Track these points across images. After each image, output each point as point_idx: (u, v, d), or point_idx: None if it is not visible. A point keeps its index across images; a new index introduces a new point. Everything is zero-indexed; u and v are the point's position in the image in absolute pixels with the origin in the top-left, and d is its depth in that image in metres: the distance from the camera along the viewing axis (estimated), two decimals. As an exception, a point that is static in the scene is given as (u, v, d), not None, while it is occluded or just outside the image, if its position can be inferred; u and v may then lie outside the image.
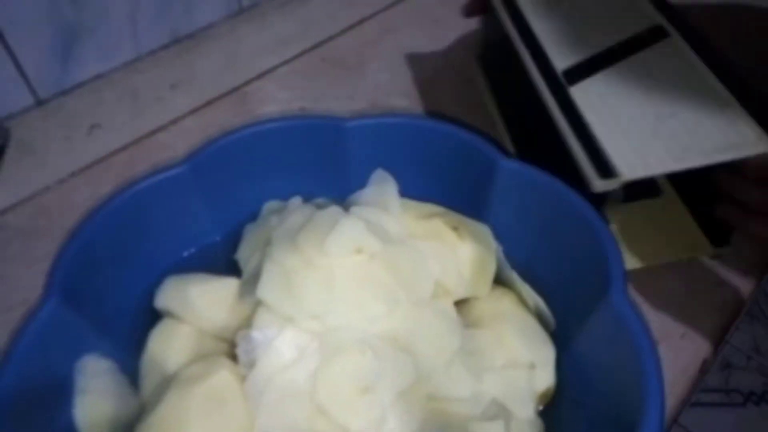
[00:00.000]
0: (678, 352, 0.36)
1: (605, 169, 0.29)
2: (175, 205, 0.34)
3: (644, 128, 0.31)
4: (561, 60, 0.35)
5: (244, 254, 0.33)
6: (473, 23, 0.50)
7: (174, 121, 0.53)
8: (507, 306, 0.33)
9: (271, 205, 0.36)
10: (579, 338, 0.30)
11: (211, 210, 0.35)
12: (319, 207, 0.35)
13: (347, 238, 0.31)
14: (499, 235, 0.34)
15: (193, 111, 0.54)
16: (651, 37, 0.36)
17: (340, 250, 0.30)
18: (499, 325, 0.31)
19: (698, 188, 0.38)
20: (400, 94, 0.55)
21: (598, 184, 0.29)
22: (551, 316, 0.32)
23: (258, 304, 0.29)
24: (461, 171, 0.34)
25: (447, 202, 0.35)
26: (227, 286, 0.32)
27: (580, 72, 0.34)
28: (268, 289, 0.29)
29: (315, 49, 0.61)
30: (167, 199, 0.33)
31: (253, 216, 0.36)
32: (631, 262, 0.37)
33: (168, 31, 0.50)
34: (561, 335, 0.32)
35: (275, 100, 0.55)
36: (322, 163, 0.35)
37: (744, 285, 0.39)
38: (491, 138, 0.33)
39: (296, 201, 0.35)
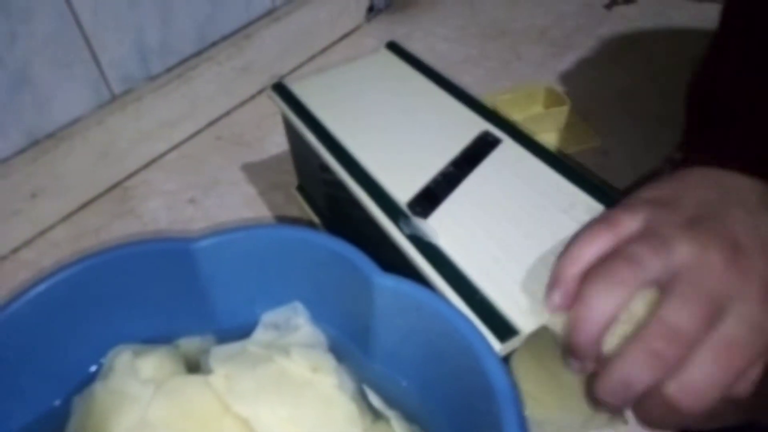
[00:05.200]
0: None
1: (502, 329, 0.24)
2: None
3: (522, 258, 0.26)
4: (401, 191, 0.30)
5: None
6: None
7: (40, 234, 0.46)
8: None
9: (119, 350, 0.28)
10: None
11: (43, 364, 0.28)
12: (184, 354, 0.28)
13: None
14: (384, 362, 0.28)
15: (64, 219, 0.46)
16: (483, 147, 0.32)
17: None
18: None
19: None
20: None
21: (501, 349, 0.23)
22: None
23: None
24: (333, 289, 0.27)
25: (326, 327, 0.29)
26: None
27: (425, 201, 0.29)
28: None
29: (209, 127, 0.55)
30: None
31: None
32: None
33: (22, 133, 0.43)
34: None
35: (161, 193, 0.48)
36: (175, 294, 0.28)
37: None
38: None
39: (125, 355, 0.27)
